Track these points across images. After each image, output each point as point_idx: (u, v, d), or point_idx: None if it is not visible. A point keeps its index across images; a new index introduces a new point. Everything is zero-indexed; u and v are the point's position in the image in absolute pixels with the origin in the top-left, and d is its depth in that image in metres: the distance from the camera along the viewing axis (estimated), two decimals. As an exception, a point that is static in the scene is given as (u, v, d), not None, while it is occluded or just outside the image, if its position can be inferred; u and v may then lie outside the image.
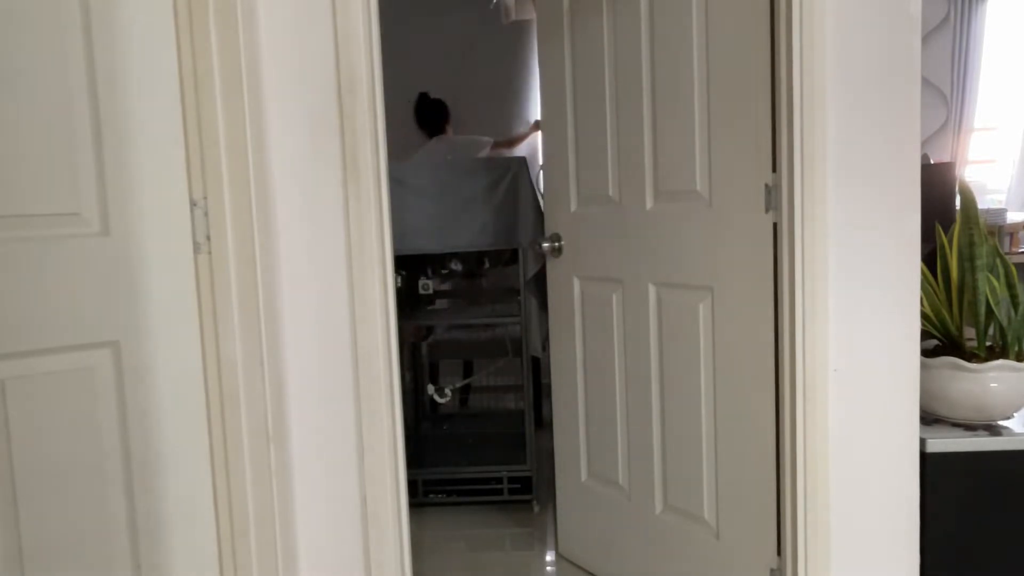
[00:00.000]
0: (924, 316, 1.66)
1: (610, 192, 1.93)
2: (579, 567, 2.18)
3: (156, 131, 1.29)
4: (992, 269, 1.61)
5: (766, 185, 1.53)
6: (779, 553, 1.58)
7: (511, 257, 2.95)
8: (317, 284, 1.46)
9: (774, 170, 1.51)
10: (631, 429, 1.94)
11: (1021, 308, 1.59)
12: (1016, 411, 1.62)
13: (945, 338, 1.70)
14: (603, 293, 1.98)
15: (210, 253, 1.35)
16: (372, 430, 1.49)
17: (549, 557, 2.30)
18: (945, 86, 4.07)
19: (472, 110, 4.24)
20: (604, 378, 2.01)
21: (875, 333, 1.47)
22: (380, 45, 1.47)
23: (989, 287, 1.59)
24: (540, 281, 2.59)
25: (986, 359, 1.58)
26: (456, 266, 3.06)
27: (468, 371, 3.79)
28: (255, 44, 1.38)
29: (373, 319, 1.47)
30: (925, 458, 1.53)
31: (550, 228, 2.15)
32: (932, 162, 3.75)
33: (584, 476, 2.12)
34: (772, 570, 1.60)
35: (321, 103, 1.43)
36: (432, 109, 3.87)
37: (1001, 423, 1.62)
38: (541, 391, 3.65)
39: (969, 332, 1.66)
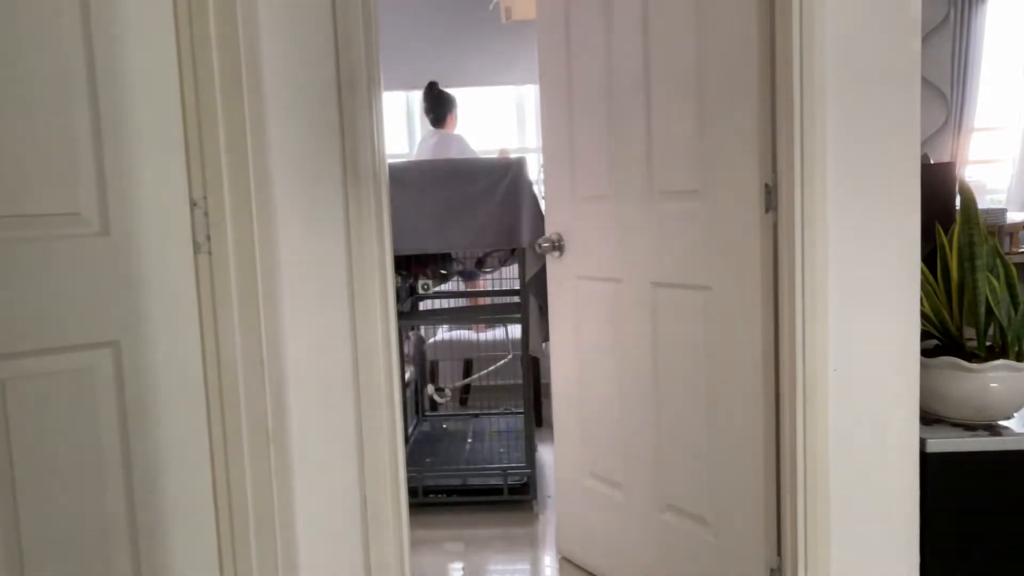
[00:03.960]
0: (924, 316, 1.66)
1: (610, 192, 1.93)
2: (579, 567, 2.18)
3: (156, 131, 1.29)
4: (992, 269, 1.61)
5: (766, 185, 1.53)
6: (779, 553, 1.58)
7: (511, 257, 2.95)
8: (317, 284, 1.46)
9: (774, 170, 1.51)
10: (631, 429, 1.94)
11: (1021, 308, 1.59)
12: (1016, 411, 1.62)
13: (945, 338, 1.70)
14: (603, 292, 1.98)
15: (210, 253, 1.35)
16: (372, 430, 1.49)
17: (549, 557, 2.30)
18: (945, 86, 4.06)
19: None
20: (604, 378, 2.01)
21: (875, 333, 1.47)
22: (380, 44, 1.47)
23: (989, 287, 1.59)
24: (540, 281, 2.59)
25: (986, 359, 1.58)
26: (456, 266, 3.06)
27: (468, 371, 3.79)
28: (255, 43, 1.38)
29: (373, 319, 1.47)
30: (925, 458, 1.53)
31: (550, 228, 2.15)
32: (932, 162, 3.74)
33: (584, 476, 2.12)
34: (772, 570, 1.60)
35: (321, 103, 1.43)
36: (438, 99, 3.84)
37: (1001, 423, 1.62)
38: (541, 391, 3.66)
39: (969, 332, 1.66)
